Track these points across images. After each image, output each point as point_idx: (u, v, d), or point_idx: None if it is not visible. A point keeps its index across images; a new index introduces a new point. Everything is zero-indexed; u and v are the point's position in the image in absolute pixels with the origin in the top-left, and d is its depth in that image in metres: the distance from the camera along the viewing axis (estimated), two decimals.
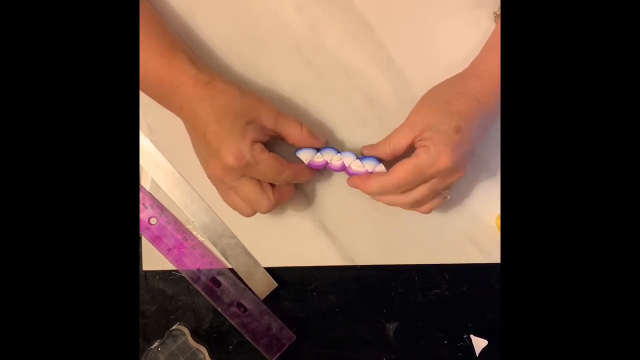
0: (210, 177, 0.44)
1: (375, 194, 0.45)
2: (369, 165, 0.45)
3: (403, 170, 0.42)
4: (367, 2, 0.49)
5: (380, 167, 0.45)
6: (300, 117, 0.49)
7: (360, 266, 0.50)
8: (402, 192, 0.44)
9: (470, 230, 0.50)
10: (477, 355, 0.50)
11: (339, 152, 0.46)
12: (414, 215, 0.49)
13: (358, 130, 0.48)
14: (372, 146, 0.45)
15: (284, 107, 0.49)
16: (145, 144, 0.49)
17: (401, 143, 0.43)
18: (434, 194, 0.44)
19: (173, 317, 0.50)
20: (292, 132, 0.44)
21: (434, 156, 0.41)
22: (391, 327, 0.50)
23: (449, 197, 0.45)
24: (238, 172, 0.42)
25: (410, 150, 0.43)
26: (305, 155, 0.45)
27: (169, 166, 0.49)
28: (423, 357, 0.50)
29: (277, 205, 0.44)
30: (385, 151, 0.44)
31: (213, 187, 0.49)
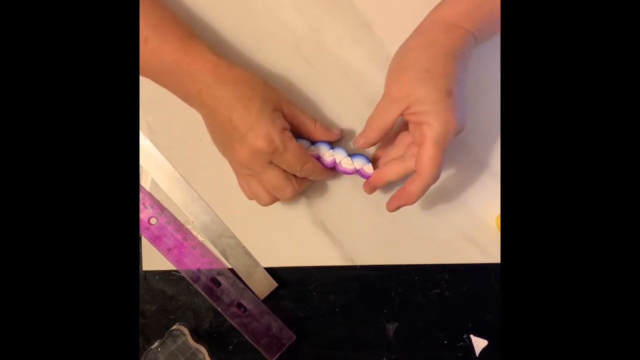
0: (233, 163, 0.44)
1: (422, 194, 0.43)
2: (358, 164, 0.46)
3: (430, 158, 0.41)
4: (367, 2, 0.49)
5: (369, 167, 0.46)
6: None
7: (360, 266, 0.50)
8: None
9: (470, 230, 0.50)
10: (477, 355, 0.50)
11: (332, 147, 0.46)
12: (414, 215, 0.49)
13: (358, 130, 0.48)
14: (362, 136, 0.45)
15: None
16: (145, 144, 0.49)
17: (389, 121, 0.43)
18: None
19: (173, 317, 0.50)
20: (308, 127, 0.45)
21: (442, 128, 0.40)
22: (391, 327, 0.50)
23: None
24: (266, 158, 0.42)
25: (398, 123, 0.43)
26: None
27: (169, 166, 0.49)
28: (423, 357, 0.50)
29: (297, 194, 0.45)
30: (377, 135, 0.44)
31: (213, 187, 0.49)
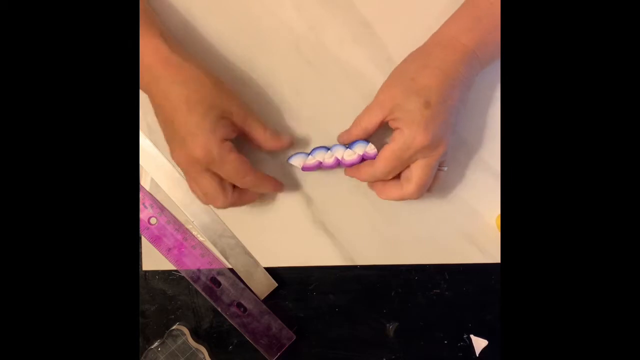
0: (174, 160, 0.43)
1: (369, 181, 0.46)
2: (360, 149, 0.46)
3: (384, 158, 0.43)
4: (367, 2, 0.49)
5: (371, 147, 0.45)
6: (300, 116, 0.49)
7: (360, 266, 0.50)
8: (393, 177, 0.44)
9: (470, 230, 0.50)
10: (477, 355, 0.50)
11: (328, 149, 0.46)
12: (414, 215, 0.49)
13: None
14: (345, 132, 0.46)
15: (283, 107, 0.49)
16: (145, 144, 0.49)
17: (372, 123, 0.43)
18: (433, 173, 0.44)
19: (173, 317, 0.50)
20: (257, 134, 0.44)
21: (409, 138, 0.41)
22: (391, 327, 0.50)
23: (445, 169, 0.45)
24: (202, 166, 0.41)
25: (383, 128, 0.44)
26: (297, 161, 0.46)
27: (169, 166, 0.49)
28: (423, 357, 0.50)
29: (234, 206, 0.44)
30: (358, 133, 0.44)
31: None
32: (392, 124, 0.43)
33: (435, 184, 0.45)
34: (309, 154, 0.46)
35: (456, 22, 0.44)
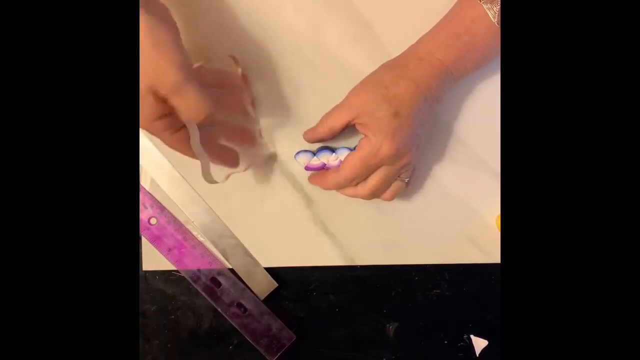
0: None
1: (332, 189, 0.46)
2: None
3: (350, 165, 0.43)
4: (367, 2, 0.49)
5: None
6: (301, 117, 0.49)
7: (360, 266, 0.50)
8: (357, 184, 0.45)
9: (470, 230, 0.50)
10: (477, 355, 0.50)
11: (333, 151, 0.46)
12: (414, 215, 0.49)
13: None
14: (311, 130, 0.46)
15: (284, 107, 0.49)
16: (145, 144, 0.49)
17: (338, 123, 0.44)
18: (390, 181, 0.45)
19: (173, 317, 0.50)
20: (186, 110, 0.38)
21: (375, 146, 0.42)
22: (391, 327, 0.50)
23: (407, 180, 0.46)
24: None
25: (347, 129, 0.44)
26: (302, 159, 0.46)
27: (169, 166, 0.49)
28: (423, 357, 0.50)
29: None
30: (324, 131, 0.45)
31: (213, 187, 0.49)
32: (359, 128, 0.43)
33: (395, 194, 0.46)
34: (314, 155, 0.46)
35: (435, 37, 0.44)
